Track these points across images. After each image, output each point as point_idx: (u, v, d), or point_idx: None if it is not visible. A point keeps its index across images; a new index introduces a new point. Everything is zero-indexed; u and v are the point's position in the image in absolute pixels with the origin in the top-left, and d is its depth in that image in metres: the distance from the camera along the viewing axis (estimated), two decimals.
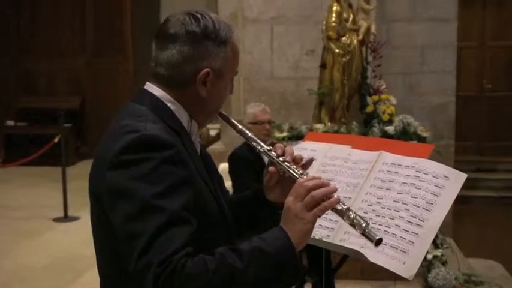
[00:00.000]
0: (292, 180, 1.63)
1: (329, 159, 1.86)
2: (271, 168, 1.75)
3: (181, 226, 1.42)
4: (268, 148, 1.73)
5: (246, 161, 4.50)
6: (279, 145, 1.74)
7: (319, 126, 5.57)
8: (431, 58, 7.05)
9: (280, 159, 1.69)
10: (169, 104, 1.65)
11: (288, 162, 1.68)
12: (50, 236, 6.50)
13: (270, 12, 6.97)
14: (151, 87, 1.68)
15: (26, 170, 9.06)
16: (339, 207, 1.53)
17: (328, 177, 1.78)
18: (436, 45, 7.01)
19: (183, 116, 1.67)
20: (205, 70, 1.62)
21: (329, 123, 5.59)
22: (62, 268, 5.54)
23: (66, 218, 6.93)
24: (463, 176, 1.62)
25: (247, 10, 6.97)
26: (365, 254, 1.60)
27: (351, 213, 1.51)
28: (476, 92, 11.04)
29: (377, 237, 1.47)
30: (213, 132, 8.85)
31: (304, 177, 1.62)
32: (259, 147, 1.74)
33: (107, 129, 1.63)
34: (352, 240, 1.65)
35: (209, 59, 1.62)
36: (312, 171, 1.81)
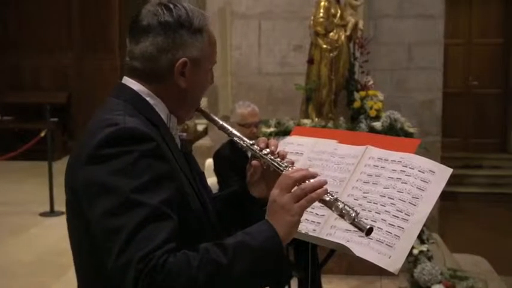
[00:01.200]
0: (277, 173, 1.60)
1: (316, 154, 1.86)
2: (254, 162, 1.72)
3: (162, 221, 1.38)
4: (251, 142, 1.70)
5: (228, 160, 4.45)
6: (262, 139, 1.72)
7: (306, 121, 5.58)
8: (419, 55, 7.08)
9: (264, 152, 1.66)
10: (148, 99, 1.61)
11: (272, 155, 1.65)
12: (37, 231, 6.48)
13: (258, 7, 6.96)
14: (129, 82, 1.63)
15: (12, 165, 9.01)
16: (327, 198, 1.50)
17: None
18: (423, 42, 7.04)
19: (162, 110, 1.62)
20: (182, 60, 1.58)
21: (316, 119, 5.60)
22: (49, 263, 5.52)
23: (52, 212, 6.92)
24: (448, 171, 1.63)
25: (236, 5, 6.96)
26: (351, 248, 1.60)
27: (339, 203, 1.49)
28: (462, 89, 11.11)
29: (368, 227, 1.45)
30: (200, 128, 8.84)
31: (289, 169, 1.59)
32: (241, 142, 1.72)
33: (87, 124, 1.58)
34: (339, 235, 1.66)
35: (185, 49, 1.58)
36: (298, 166, 1.81)
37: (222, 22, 6.81)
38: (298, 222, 1.49)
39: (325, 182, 1.51)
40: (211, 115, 1.76)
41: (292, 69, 6.79)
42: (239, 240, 1.44)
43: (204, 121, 8.27)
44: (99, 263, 1.44)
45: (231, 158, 4.40)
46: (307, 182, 1.50)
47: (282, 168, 1.60)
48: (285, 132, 5.44)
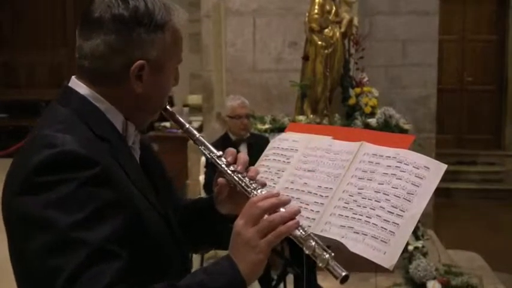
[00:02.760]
0: (244, 194, 1.44)
1: (310, 150, 1.86)
2: (220, 180, 1.55)
3: (105, 262, 1.19)
4: (219, 154, 1.52)
5: None
6: (230, 150, 1.54)
7: (301, 118, 5.59)
8: (413, 51, 7.09)
9: (231, 168, 1.49)
10: (98, 104, 1.39)
11: (240, 173, 1.47)
12: None
13: (252, 4, 6.96)
14: (76, 84, 1.41)
15: (5, 163, 8.95)
16: (298, 233, 1.33)
17: (310, 168, 1.78)
18: (417, 39, 7.05)
19: (115, 117, 1.41)
20: (138, 62, 1.36)
21: (311, 116, 5.61)
22: None
23: None
24: (443, 167, 1.62)
25: (230, 2, 6.96)
26: (346, 245, 1.60)
27: (311, 242, 1.32)
28: (457, 86, 11.12)
29: (343, 274, 1.30)
30: (195, 125, 8.82)
31: (258, 192, 1.42)
32: (207, 152, 1.53)
33: (29, 135, 1.38)
34: (334, 231, 1.66)
35: (143, 49, 1.36)
36: (293, 162, 1.81)
37: (217, 18, 6.80)
38: (265, 260, 1.31)
39: (298, 212, 1.36)
40: (178, 117, 1.57)
41: (287, 65, 6.79)
42: (197, 281, 1.27)
43: (199, 118, 8.25)
44: None
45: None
46: (277, 211, 1.33)
47: (249, 191, 1.43)
48: (280, 129, 5.45)
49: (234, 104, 4.67)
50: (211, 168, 4.51)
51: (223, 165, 1.50)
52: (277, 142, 1.92)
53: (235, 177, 1.47)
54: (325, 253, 1.31)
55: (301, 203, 1.57)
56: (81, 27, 1.41)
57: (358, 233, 1.57)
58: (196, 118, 9.23)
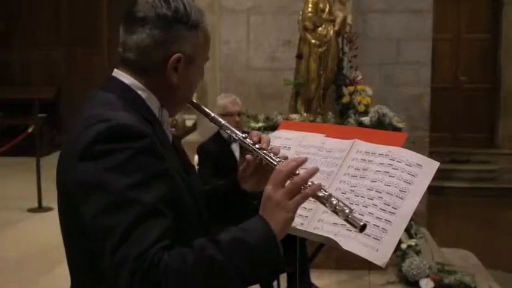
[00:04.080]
0: (270, 168, 1.60)
1: (303, 148, 1.86)
2: (248, 157, 1.72)
3: (156, 219, 1.37)
4: (244, 136, 1.70)
5: (210, 156, 4.46)
6: (254, 133, 1.71)
7: (295, 116, 5.58)
8: (407, 49, 7.10)
9: (257, 146, 1.66)
10: (139, 92, 1.59)
11: (265, 150, 1.65)
12: (25, 226, 6.45)
13: (247, 2, 6.95)
14: (120, 75, 1.61)
15: (2, 161, 8.97)
16: (321, 194, 1.48)
17: (303, 166, 1.78)
18: (411, 37, 7.06)
19: (154, 104, 1.61)
20: (176, 55, 1.56)
21: (305, 114, 5.60)
22: (37, 259, 5.50)
23: (40, 208, 6.90)
24: (435, 164, 1.63)
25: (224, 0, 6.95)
26: (339, 242, 1.61)
27: (333, 199, 1.47)
28: (451, 84, 11.14)
29: (361, 223, 1.45)
30: (189, 123, 8.82)
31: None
32: (234, 135, 1.71)
33: (76, 118, 1.56)
34: (326, 228, 1.66)
35: (180, 44, 1.56)
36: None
37: (211, 16, 6.80)
38: (293, 218, 1.48)
39: (316, 170, 1.52)
40: (203, 107, 1.76)
41: (281, 64, 6.79)
42: (234, 236, 1.42)
43: (193, 116, 8.26)
44: (93, 261, 1.44)
45: (214, 154, 4.42)
46: (298, 173, 1.50)
47: (275, 163, 1.60)
48: (273, 127, 5.44)
49: (225, 101, 4.69)
50: (207, 166, 4.51)
51: (250, 144, 1.67)
52: (272, 141, 1.92)
53: (262, 153, 1.65)
54: (345, 207, 1.46)
55: None
56: (125, 25, 1.60)
57: (350, 230, 1.57)
58: (190, 116, 9.23)
